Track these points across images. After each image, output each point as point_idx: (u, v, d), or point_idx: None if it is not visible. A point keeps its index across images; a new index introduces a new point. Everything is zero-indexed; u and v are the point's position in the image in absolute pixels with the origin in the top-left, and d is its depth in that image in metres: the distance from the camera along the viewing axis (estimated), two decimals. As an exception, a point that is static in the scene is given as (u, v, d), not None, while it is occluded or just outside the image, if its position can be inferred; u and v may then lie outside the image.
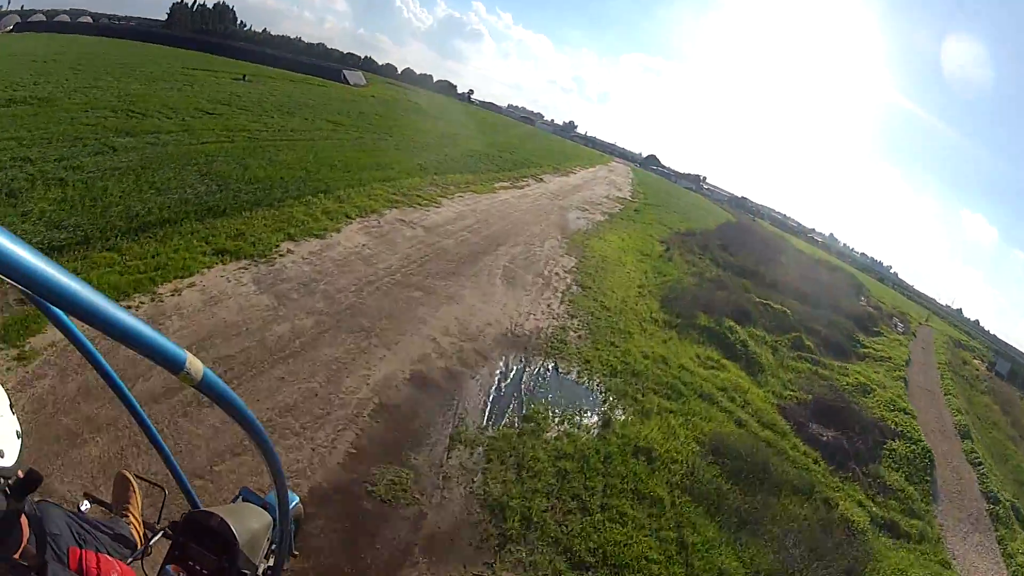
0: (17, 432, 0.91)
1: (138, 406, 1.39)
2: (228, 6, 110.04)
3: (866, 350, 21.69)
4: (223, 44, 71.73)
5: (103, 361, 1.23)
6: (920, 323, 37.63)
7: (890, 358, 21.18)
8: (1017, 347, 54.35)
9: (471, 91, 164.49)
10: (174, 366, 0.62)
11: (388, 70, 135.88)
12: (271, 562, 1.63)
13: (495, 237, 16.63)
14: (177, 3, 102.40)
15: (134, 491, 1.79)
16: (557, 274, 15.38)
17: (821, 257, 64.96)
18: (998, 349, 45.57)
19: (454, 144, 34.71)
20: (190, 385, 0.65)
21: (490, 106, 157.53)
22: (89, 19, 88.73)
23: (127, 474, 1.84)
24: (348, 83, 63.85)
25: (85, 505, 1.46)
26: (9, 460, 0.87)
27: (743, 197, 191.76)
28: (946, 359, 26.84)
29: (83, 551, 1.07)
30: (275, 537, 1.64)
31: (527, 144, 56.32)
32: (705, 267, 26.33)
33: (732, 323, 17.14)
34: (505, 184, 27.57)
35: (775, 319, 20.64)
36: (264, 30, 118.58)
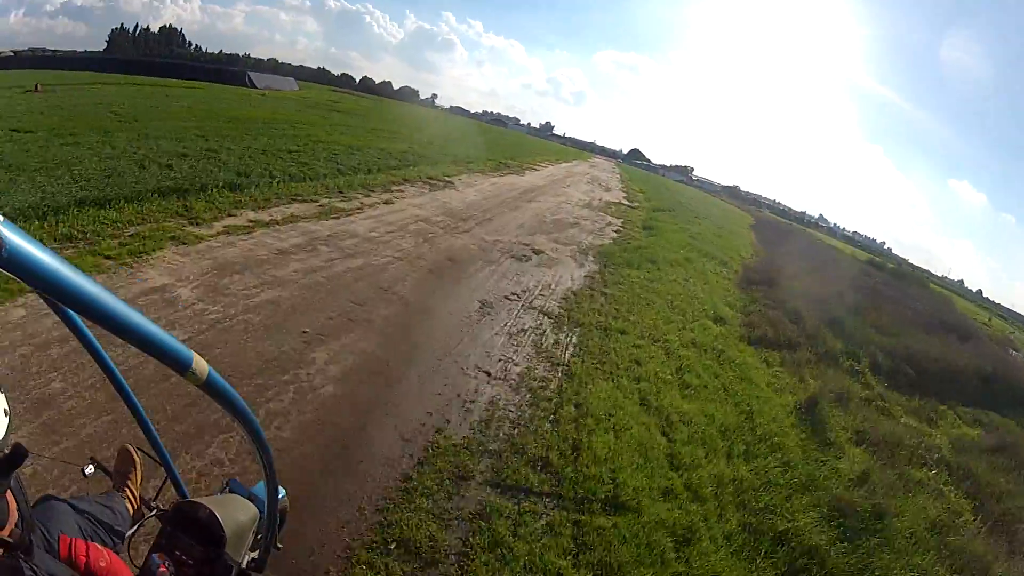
0: (4, 410, 0.89)
1: (135, 398, 1.35)
2: (177, 29, 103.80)
3: None
4: (154, 63, 59.24)
5: (104, 354, 1.16)
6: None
7: None
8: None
9: (434, 95, 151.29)
10: (181, 366, 0.61)
11: (344, 80, 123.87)
12: (255, 554, 1.52)
13: None
14: (116, 30, 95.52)
15: (135, 466, 1.71)
16: None
17: (876, 260, 47.21)
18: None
19: (298, 142, 15.83)
20: (195, 384, 0.65)
21: (459, 111, 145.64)
22: (11, 54, 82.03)
23: (131, 448, 1.74)
24: (255, 86, 50.56)
25: (90, 469, 1.45)
26: None
27: (734, 186, 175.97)
28: None
29: (73, 539, 1.04)
30: (260, 529, 1.53)
31: (469, 139, 37.17)
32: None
33: None
34: (288, 212, 8.58)
35: None
36: (220, 51, 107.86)
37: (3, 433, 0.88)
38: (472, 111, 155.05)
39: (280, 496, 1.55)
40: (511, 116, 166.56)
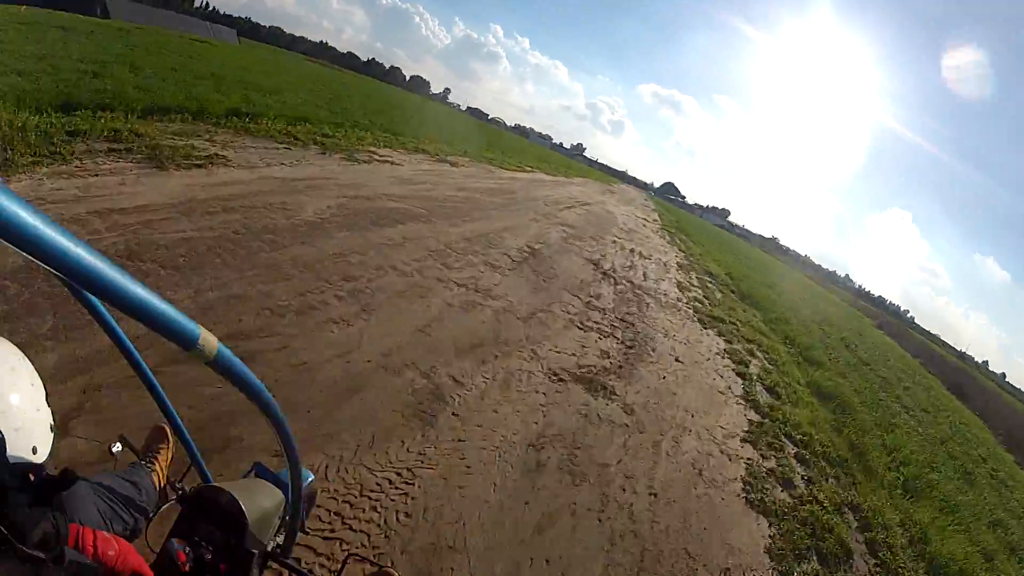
0: (51, 425, 0.85)
1: (152, 376, 1.16)
2: None
3: None
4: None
5: (117, 327, 1.01)
6: None
7: None
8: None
9: (447, 89, 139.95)
10: (186, 341, 0.53)
11: (348, 59, 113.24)
12: (281, 540, 1.38)
13: None
14: None
15: (167, 445, 1.61)
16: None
17: None
18: None
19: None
20: (203, 362, 0.57)
21: (475, 112, 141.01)
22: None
23: (166, 427, 1.64)
24: (108, 15, 29.80)
25: (117, 447, 1.36)
26: (42, 456, 0.80)
27: (773, 237, 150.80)
28: None
29: (81, 529, 0.95)
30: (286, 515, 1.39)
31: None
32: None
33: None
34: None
35: None
36: (224, 13, 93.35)
37: (48, 451, 0.83)
38: (490, 115, 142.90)
39: (307, 480, 1.47)
40: (545, 134, 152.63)
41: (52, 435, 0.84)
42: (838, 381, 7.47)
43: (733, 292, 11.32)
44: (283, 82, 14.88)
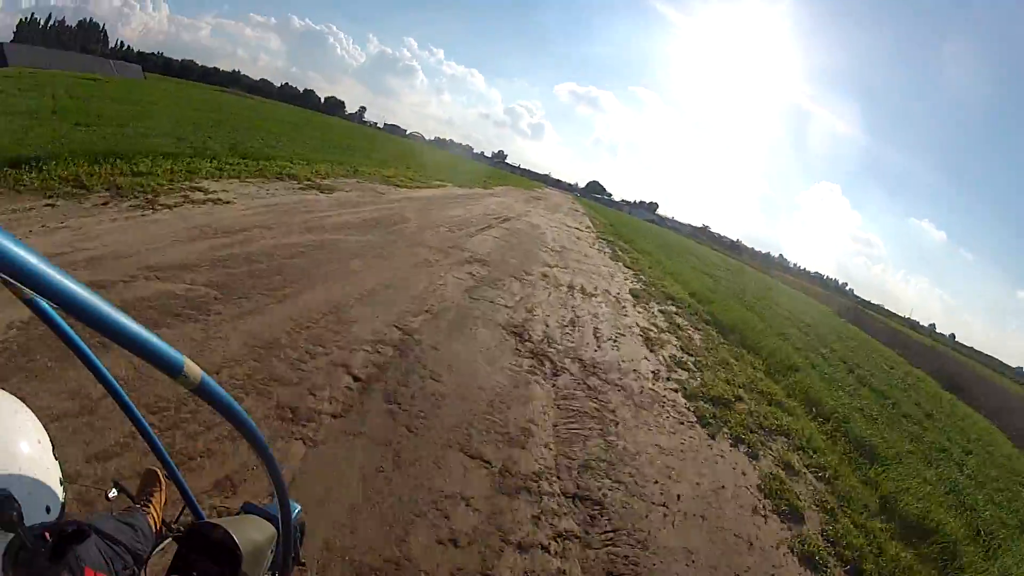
0: (60, 479, 0.82)
1: (138, 413, 1.15)
2: (98, 25, 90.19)
3: None
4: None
5: (99, 363, 1.01)
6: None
7: None
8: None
9: (363, 108, 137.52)
10: (172, 370, 0.56)
11: (261, 86, 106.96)
12: (275, 574, 1.35)
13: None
14: (24, 20, 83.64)
15: (160, 488, 1.61)
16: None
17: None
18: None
19: None
20: (188, 389, 0.60)
21: (392, 128, 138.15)
22: None
23: (158, 471, 1.63)
24: (5, 63, 27.56)
25: (113, 493, 1.39)
26: (54, 514, 0.78)
27: (704, 226, 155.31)
28: None
29: (94, 573, 0.93)
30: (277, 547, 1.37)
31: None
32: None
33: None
34: None
35: None
36: (156, 52, 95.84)
37: (61, 504, 0.81)
38: (408, 131, 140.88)
39: (296, 511, 1.47)
40: (465, 144, 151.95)
41: (62, 488, 0.82)
42: (909, 485, 4.75)
43: (708, 323, 8.59)
44: (147, 112, 11.67)
